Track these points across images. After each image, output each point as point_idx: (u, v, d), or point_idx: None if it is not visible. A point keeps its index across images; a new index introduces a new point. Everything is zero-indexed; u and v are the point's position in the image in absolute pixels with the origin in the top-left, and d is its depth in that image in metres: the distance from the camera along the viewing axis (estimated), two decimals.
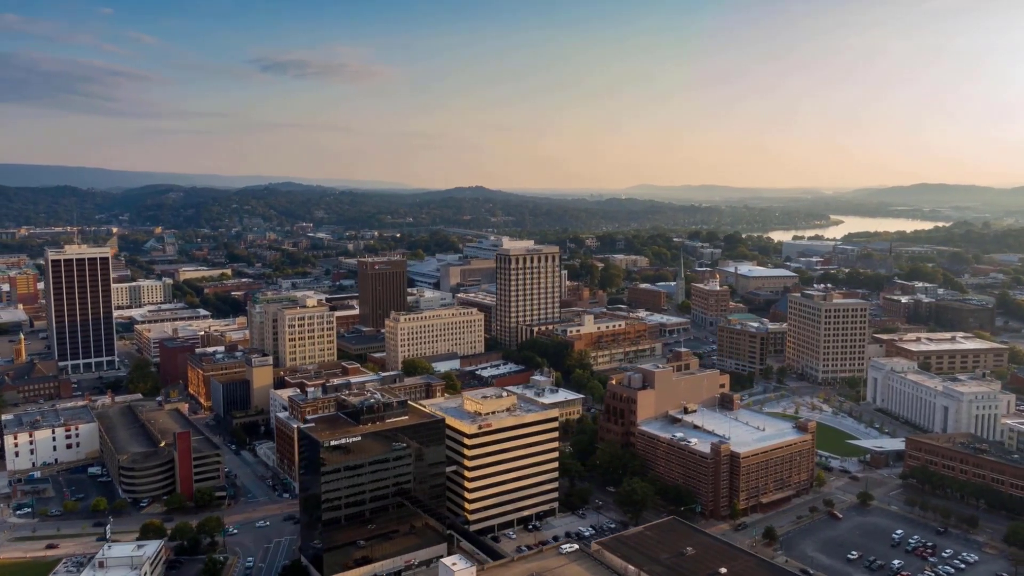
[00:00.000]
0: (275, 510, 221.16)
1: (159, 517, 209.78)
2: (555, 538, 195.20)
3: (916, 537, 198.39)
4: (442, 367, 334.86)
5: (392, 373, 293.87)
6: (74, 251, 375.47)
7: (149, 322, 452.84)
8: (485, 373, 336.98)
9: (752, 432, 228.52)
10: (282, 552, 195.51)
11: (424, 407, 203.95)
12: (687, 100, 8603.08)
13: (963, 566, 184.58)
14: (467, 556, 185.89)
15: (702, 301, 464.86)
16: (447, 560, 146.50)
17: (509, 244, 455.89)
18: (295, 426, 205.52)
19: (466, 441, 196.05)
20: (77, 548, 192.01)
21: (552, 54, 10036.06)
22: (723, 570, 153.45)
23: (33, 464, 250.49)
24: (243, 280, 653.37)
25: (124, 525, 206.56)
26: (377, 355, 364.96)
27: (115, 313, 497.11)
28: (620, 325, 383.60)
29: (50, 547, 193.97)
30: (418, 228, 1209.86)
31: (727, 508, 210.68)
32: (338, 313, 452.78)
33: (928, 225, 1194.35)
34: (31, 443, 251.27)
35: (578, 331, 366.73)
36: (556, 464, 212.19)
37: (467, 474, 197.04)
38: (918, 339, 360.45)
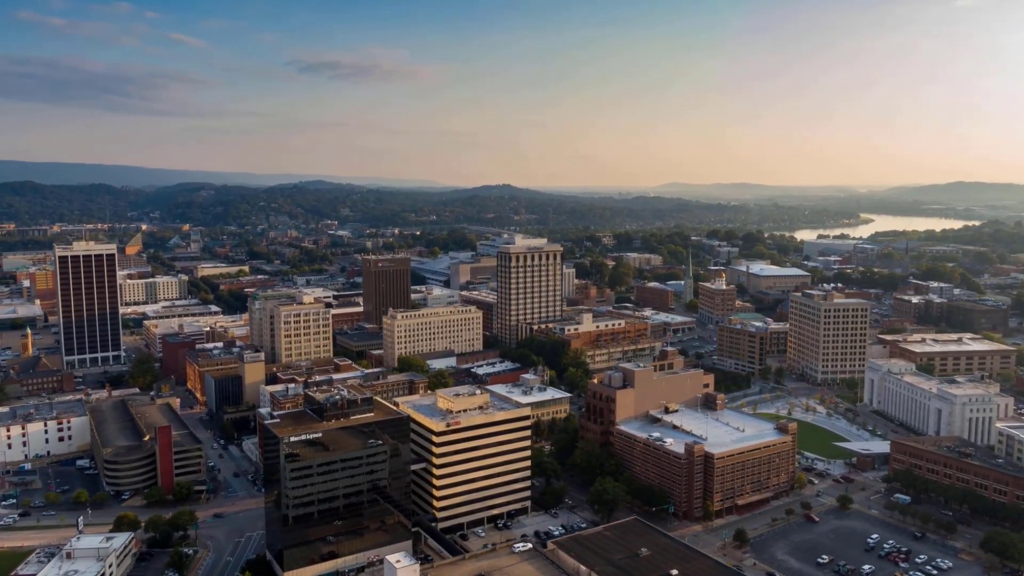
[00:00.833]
0: (252, 504, 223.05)
1: (138, 510, 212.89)
2: (523, 537, 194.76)
3: (891, 542, 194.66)
4: (438, 364, 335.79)
5: (376, 370, 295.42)
6: (81, 248, 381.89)
7: (161, 318, 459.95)
8: (480, 371, 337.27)
9: (731, 433, 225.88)
10: (252, 546, 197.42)
11: (391, 404, 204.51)
12: (720, 99, 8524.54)
13: (935, 572, 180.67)
14: (434, 553, 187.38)
15: (709, 300, 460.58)
16: (391, 557, 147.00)
17: (522, 242, 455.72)
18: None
19: (434, 439, 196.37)
20: (53, 539, 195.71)
21: (587, 54, 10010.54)
22: (674, 572, 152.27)
23: (26, 456, 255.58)
24: (259, 277, 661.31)
25: (104, 517, 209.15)
26: (376, 352, 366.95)
27: (130, 309, 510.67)
28: (619, 324, 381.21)
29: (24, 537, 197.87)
30: (440, 226, 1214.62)
31: (701, 509, 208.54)
32: (345, 310, 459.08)
33: (958, 224, 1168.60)
34: (23, 435, 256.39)
35: (576, 330, 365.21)
36: (528, 463, 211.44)
37: (435, 471, 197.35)
38: (923, 340, 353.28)
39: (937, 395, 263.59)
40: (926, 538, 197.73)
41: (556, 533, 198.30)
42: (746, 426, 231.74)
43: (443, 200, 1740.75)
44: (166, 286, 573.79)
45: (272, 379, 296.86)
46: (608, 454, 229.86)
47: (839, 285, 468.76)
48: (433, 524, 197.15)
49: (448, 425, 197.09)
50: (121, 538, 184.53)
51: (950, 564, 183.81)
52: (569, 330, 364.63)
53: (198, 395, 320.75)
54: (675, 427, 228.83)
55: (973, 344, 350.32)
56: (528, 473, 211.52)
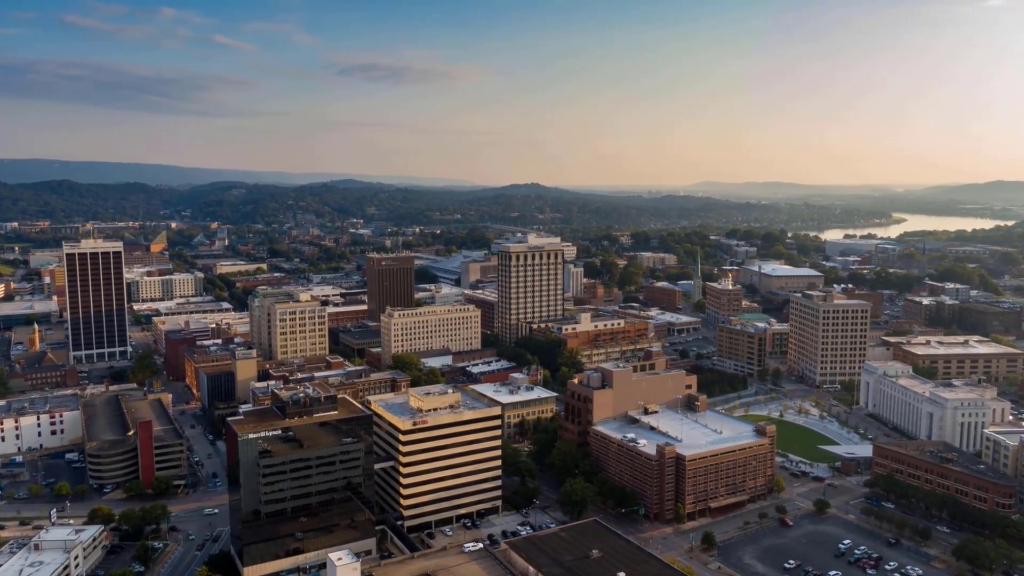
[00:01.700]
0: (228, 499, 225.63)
1: (118, 503, 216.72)
2: (490, 536, 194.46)
3: (863, 548, 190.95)
4: (434, 363, 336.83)
5: (358, 368, 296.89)
6: (88, 245, 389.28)
7: (173, 314, 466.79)
8: (475, 369, 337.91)
9: (708, 435, 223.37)
10: (222, 541, 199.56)
11: (358, 402, 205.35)
12: (750, 97, 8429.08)
13: None
14: (398, 551, 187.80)
15: (715, 300, 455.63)
16: (333, 555, 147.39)
17: (534, 240, 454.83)
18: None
19: (401, 437, 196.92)
20: (30, 531, 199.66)
21: (617, 52, 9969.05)
22: (621, 574, 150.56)
23: (18, 449, 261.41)
24: (276, 274, 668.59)
25: (85, 510, 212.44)
26: (375, 349, 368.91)
27: (145, 305, 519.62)
28: (619, 324, 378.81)
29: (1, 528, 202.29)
30: (464, 225, 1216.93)
31: (672, 512, 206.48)
32: (350, 308, 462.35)
33: (991, 224, 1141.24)
34: (17, 429, 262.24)
35: (573, 329, 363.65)
36: (499, 463, 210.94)
37: (402, 469, 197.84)
38: (927, 342, 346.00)
39: (929, 399, 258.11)
40: (900, 544, 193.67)
41: (523, 533, 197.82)
42: (725, 428, 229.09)
43: (470, 199, 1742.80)
44: (182, 283, 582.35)
45: (264, 375, 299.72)
46: (584, 454, 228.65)
47: (848, 286, 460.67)
48: (400, 523, 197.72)
49: (415, 424, 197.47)
50: (90, 531, 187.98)
51: (920, 572, 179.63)
52: (566, 329, 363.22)
53: (195, 391, 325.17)
54: (652, 428, 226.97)
55: (979, 347, 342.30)
56: (499, 473, 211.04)
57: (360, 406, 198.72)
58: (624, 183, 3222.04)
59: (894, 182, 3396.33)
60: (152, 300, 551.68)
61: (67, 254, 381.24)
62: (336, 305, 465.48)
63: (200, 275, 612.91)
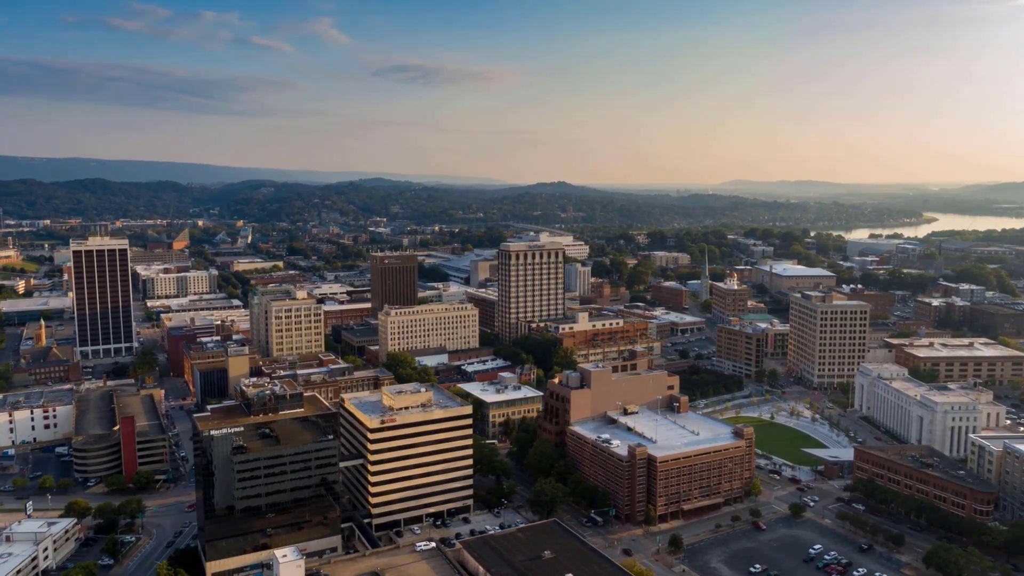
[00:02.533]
0: None
1: (100, 496, 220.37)
2: (457, 535, 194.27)
3: (832, 553, 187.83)
4: (429, 361, 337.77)
5: (342, 366, 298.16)
6: (95, 243, 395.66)
7: (183, 311, 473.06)
8: (470, 368, 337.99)
9: (684, 436, 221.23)
10: (186, 536, 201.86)
11: (326, 401, 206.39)
12: (781, 96, 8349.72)
13: None
14: (364, 548, 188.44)
15: (721, 300, 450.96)
16: (278, 552, 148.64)
17: (545, 239, 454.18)
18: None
19: (369, 435, 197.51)
20: (8, 522, 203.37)
21: (650, 53, 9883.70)
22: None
23: (12, 442, 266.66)
24: (291, 272, 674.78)
25: (65, 503, 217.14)
26: (374, 347, 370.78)
27: (159, 302, 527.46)
28: (617, 323, 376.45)
29: None
30: (485, 223, 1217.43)
31: (643, 513, 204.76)
32: (355, 305, 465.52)
33: (1021, 224, 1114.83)
34: (10, 422, 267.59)
35: (570, 328, 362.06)
36: (470, 462, 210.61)
37: (370, 468, 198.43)
38: (930, 344, 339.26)
39: (919, 402, 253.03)
40: (873, 550, 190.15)
41: (491, 532, 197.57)
42: (703, 429, 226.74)
43: (495, 197, 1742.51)
44: (197, 280, 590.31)
45: (256, 372, 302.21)
46: (561, 455, 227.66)
47: (858, 286, 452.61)
48: (368, 520, 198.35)
49: (383, 422, 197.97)
50: (62, 523, 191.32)
51: None
52: (563, 329, 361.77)
53: (191, 386, 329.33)
54: (629, 429, 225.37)
55: (984, 349, 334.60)
56: (470, 472, 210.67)
57: (327, 404, 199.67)
58: (654, 182, 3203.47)
59: (929, 181, 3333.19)
60: (166, 297, 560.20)
61: (74, 251, 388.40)
62: (341, 303, 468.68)
63: (215, 272, 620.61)
